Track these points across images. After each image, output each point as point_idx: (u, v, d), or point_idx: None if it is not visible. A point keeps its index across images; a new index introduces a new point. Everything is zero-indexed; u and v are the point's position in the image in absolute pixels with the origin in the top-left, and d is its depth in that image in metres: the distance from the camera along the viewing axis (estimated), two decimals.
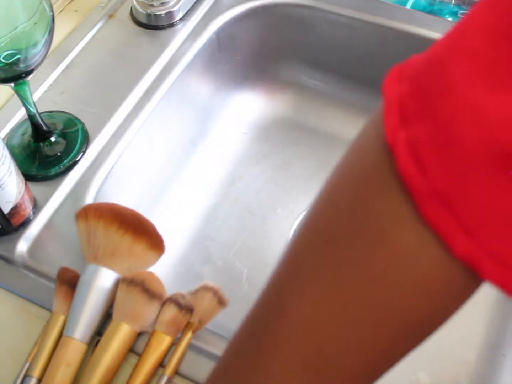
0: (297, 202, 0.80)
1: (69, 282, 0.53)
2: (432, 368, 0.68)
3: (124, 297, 0.51)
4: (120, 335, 0.50)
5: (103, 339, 0.50)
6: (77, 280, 0.53)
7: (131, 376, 0.50)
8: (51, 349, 0.51)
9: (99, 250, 0.53)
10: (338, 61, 0.84)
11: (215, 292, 0.52)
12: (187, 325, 0.52)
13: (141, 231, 0.53)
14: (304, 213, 0.79)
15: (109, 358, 0.49)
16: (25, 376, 0.50)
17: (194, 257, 0.76)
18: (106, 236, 0.53)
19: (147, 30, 0.77)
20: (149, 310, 0.52)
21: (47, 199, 0.63)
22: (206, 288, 0.53)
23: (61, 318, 0.52)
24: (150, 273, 0.53)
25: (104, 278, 0.52)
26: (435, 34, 0.76)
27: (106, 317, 0.53)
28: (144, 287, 0.51)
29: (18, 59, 0.56)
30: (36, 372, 0.50)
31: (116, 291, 0.52)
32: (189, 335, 0.51)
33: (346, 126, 0.86)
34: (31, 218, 0.61)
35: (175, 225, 0.77)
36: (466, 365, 0.67)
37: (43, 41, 0.56)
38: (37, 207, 0.62)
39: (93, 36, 0.76)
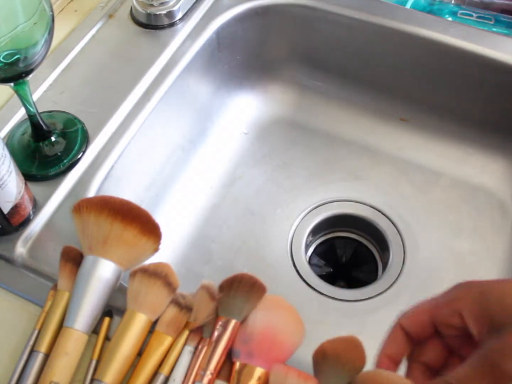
0: (297, 202, 0.80)
1: (74, 259, 0.54)
2: None
3: (145, 288, 0.51)
4: (138, 325, 0.51)
5: (120, 328, 0.51)
6: (81, 258, 0.54)
7: (131, 376, 0.50)
8: (57, 325, 0.52)
9: (93, 241, 0.53)
10: (338, 61, 0.84)
11: (207, 289, 0.52)
12: (186, 325, 0.52)
13: (130, 217, 0.53)
14: (304, 213, 0.79)
15: (128, 348, 0.50)
16: (33, 350, 0.51)
17: (194, 257, 0.76)
18: (97, 226, 0.53)
19: (147, 30, 0.77)
20: (167, 302, 0.52)
21: (47, 199, 0.63)
22: (201, 287, 0.53)
23: (66, 295, 0.53)
24: (169, 266, 0.53)
25: (100, 268, 0.52)
26: (435, 34, 0.76)
27: (105, 308, 0.53)
28: (167, 280, 0.52)
29: (18, 59, 0.56)
30: (43, 347, 0.51)
31: (134, 281, 0.52)
32: (185, 333, 0.51)
33: (346, 126, 0.86)
34: (31, 218, 0.61)
35: (175, 225, 0.77)
36: None
37: (43, 41, 0.56)
38: (37, 207, 0.62)
39: (93, 36, 0.76)
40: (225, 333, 0.50)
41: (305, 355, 0.53)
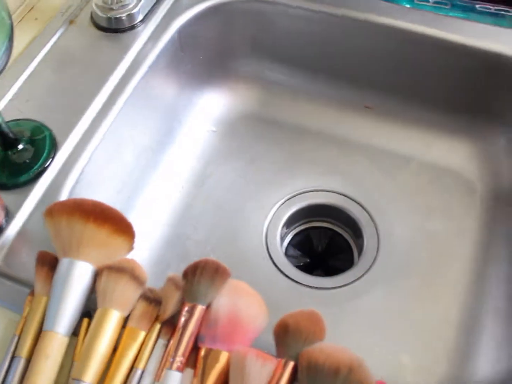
0: (269, 195, 0.80)
1: (49, 264, 0.54)
2: (413, 349, 0.69)
3: (113, 284, 0.52)
4: (111, 322, 0.51)
5: (93, 326, 0.51)
6: (57, 262, 0.54)
7: (108, 374, 0.50)
8: (37, 329, 0.52)
9: (66, 243, 0.53)
10: (301, 53, 0.85)
11: (173, 280, 0.53)
12: (157, 317, 0.52)
13: (103, 218, 0.54)
14: (276, 206, 0.79)
15: (103, 345, 0.50)
16: (13, 356, 0.51)
17: (170, 256, 0.76)
18: (70, 228, 0.53)
19: (108, 33, 0.77)
20: (136, 296, 0.52)
21: (19, 207, 0.63)
22: (168, 279, 0.54)
23: (43, 299, 0.53)
24: (134, 261, 0.54)
25: (76, 270, 0.52)
26: (393, 21, 0.77)
27: (83, 309, 0.53)
28: (133, 274, 0.52)
29: None
30: (24, 353, 0.51)
31: (101, 279, 0.52)
32: (157, 327, 0.52)
33: (313, 118, 0.87)
34: (4, 226, 0.61)
35: (149, 226, 0.77)
36: (445, 344, 0.69)
37: (3, 49, 0.56)
38: (9, 215, 0.62)
39: (55, 43, 0.76)
40: (192, 319, 0.51)
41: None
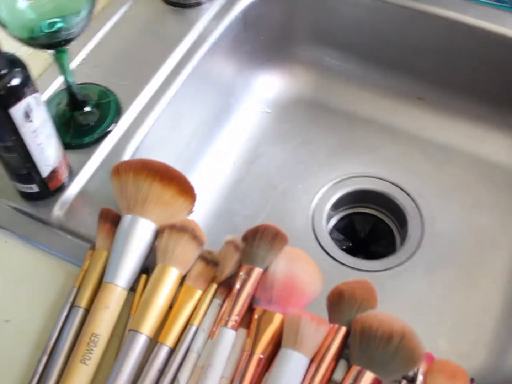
0: (317, 177, 0.82)
1: (112, 220, 0.56)
2: (451, 335, 0.70)
3: (174, 243, 0.54)
4: (170, 278, 0.53)
5: (152, 281, 0.53)
6: (119, 219, 0.56)
7: (164, 328, 0.52)
8: (97, 281, 0.54)
9: (131, 200, 0.55)
10: (360, 42, 0.86)
11: (232, 242, 0.55)
12: (213, 278, 0.54)
13: (168, 178, 0.56)
14: (324, 188, 0.81)
15: (161, 299, 0.52)
16: (72, 306, 0.54)
17: (219, 229, 0.77)
18: (136, 186, 0.55)
19: (175, 8, 0.79)
20: (195, 256, 0.54)
21: (81, 166, 0.65)
22: (226, 242, 0.55)
23: (104, 254, 0.55)
24: (195, 222, 0.56)
25: (139, 226, 0.55)
26: (454, 14, 0.78)
27: (143, 265, 0.55)
28: (194, 234, 0.54)
29: (60, 28, 0.58)
30: (83, 303, 0.53)
31: (163, 237, 0.54)
32: (213, 286, 0.53)
33: (366, 106, 0.88)
34: (66, 183, 0.63)
35: (200, 198, 0.79)
36: (484, 332, 0.69)
37: (87, 8, 0.58)
38: (72, 173, 0.64)
39: (124, 13, 0.79)
40: (249, 280, 0.52)
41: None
